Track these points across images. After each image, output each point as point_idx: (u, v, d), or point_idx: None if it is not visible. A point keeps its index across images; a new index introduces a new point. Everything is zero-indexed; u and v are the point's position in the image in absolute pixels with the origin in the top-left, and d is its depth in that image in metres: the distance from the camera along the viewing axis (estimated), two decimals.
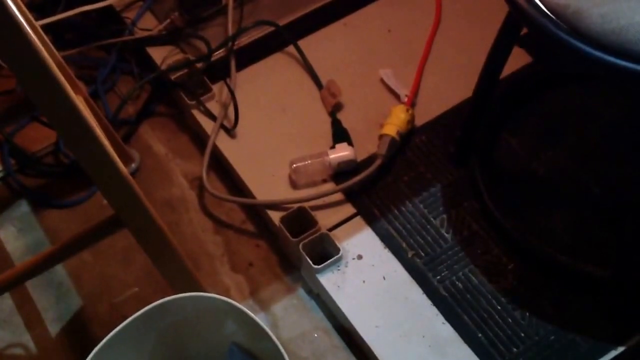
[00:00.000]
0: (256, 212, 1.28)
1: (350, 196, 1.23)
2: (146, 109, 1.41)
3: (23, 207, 1.33)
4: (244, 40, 1.41)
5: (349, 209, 1.22)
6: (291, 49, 1.41)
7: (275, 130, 1.32)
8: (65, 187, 1.34)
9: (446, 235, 1.19)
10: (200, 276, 1.08)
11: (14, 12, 0.68)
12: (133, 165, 1.34)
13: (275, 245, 1.25)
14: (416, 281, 1.15)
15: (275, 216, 1.20)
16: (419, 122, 1.30)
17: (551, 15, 0.89)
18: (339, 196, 1.23)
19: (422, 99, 1.33)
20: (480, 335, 1.10)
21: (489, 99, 1.16)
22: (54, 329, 1.20)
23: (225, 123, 1.32)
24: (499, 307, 1.12)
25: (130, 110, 1.42)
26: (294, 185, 1.25)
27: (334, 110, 1.32)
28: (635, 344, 1.08)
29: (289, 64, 1.40)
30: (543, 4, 0.90)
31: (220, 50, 1.38)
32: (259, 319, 0.92)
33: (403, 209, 1.22)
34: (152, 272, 1.20)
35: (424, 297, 1.13)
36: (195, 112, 1.34)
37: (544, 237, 1.17)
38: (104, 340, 0.91)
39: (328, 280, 1.15)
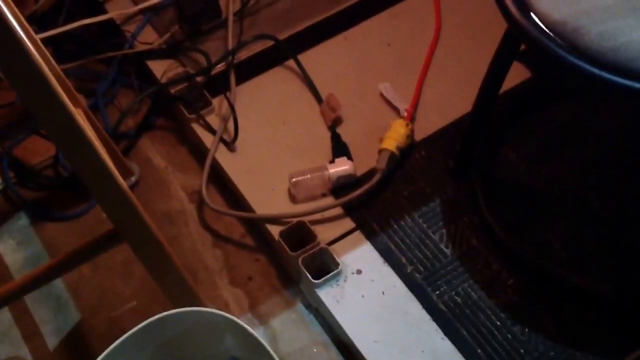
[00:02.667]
0: (255, 226, 1.28)
1: (350, 210, 1.23)
2: (146, 122, 1.42)
3: (22, 220, 1.33)
4: (244, 54, 1.41)
5: (348, 224, 1.22)
6: (291, 62, 1.41)
7: (275, 144, 1.32)
8: (64, 200, 1.34)
9: (445, 250, 1.19)
10: (199, 290, 1.08)
11: (14, 26, 0.68)
12: (132, 179, 1.34)
13: (275, 259, 1.25)
14: (415, 296, 1.14)
15: (275, 230, 1.20)
16: (418, 136, 1.30)
17: (550, 32, 0.89)
18: (338, 210, 1.23)
19: (421, 113, 1.33)
20: (479, 350, 1.09)
21: (489, 114, 1.17)
22: (52, 342, 1.20)
23: (225, 137, 1.32)
24: (499, 323, 1.12)
25: (130, 123, 1.42)
26: (294, 199, 1.25)
27: (334, 125, 1.32)
28: (636, 359, 1.07)
29: (289, 78, 1.40)
30: (541, 21, 0.90)
31: (220, 64, 1.39)
32: (258, 333, 0.92)
33: (402, 223, 1.21)
34: (150, 285, 1.19)
35: (423, 312, 1.13)
36: (195, 126, 1.34)
37: (544, 252, 1.17)
38: (102, 355, 0.90)
39: (327, 294, 1.15)
